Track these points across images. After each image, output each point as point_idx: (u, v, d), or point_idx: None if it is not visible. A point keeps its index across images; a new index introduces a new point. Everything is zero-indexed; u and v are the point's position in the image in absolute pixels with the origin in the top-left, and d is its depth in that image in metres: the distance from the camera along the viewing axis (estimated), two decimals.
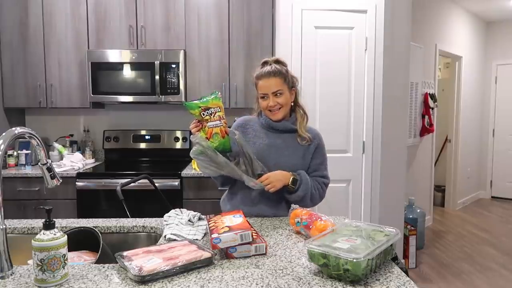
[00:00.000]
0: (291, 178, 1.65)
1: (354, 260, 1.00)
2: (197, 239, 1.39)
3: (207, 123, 1.62)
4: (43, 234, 1.04)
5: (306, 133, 1.75)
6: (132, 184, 2.38)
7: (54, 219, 1.07)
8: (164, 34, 3.16)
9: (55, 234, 1.04)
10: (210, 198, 2.92)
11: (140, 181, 2.45)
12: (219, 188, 1.94)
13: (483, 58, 6.10)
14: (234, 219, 1.34)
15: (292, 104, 1.76)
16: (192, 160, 3.24)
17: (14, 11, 3.15)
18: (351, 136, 3.01)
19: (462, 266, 3.58)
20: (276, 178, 1.63)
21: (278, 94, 1.68)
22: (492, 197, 6.28)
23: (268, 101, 1.70)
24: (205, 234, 1.44)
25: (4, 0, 3.14)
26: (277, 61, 1.73)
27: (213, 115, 1.60)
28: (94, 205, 2.90)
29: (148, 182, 2.45)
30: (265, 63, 1.74)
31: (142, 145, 3.47)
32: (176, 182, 2.90)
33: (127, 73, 3.10)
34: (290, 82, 1.72)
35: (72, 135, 3.49)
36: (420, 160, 4.65)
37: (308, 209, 1.50)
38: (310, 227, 1.38)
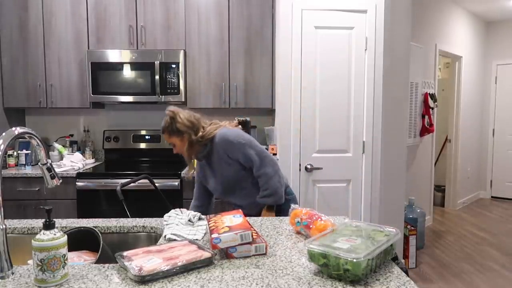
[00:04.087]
0: (265, 208, 1.92)
1: (354, 260, 1.00)
2: (197, 239, 1.38)
3: None
4: (43, 234, 1.04)
5: (216, 155, 1.91)
6: (132, 184, 2.38)
7: (54, 219, 1.07)
8: (164, 34, 3.16)
9: (55, 234, 1.04)
10: None
11: (140, 181, 2.45)
12: None
13: (483, 58, 6.10)
14: (234, 219, 1.34)
15: (192, 141, 1.91)
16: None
17: (14, 11, 3.15)
18: (351, 136, 3.01)
19: (462, 266, 3.58)
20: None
21: (172, 146, 1.94)
22: (492, 197, 6.28)
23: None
24: (205, 234, 1.44)
25: (4, 0, 3.14)
26: (168, 114, 1.93)
27: None
28: (94, 205, 2.90)
29: (148, 182, 2.46)
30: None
31: (142, 145, 3.47)
32: (176, 182, 2.90)
33: (127, 73, 3.10)
34: (176, 133, 1.90)
35: (72, 135, 3.49)
36: (420, 160, 4.65)
37: (308, 209, 1.50)
38: (310, 227, 1.38)
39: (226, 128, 1.91)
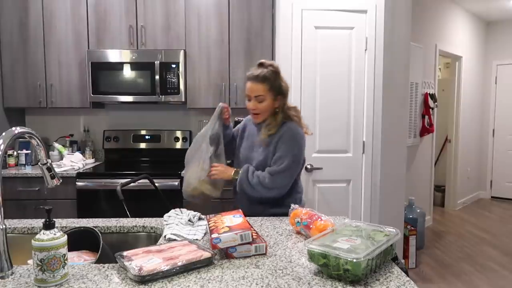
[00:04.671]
0: (233, 172, 1.84)
1: (354, 260, 1.00)
2: (197, 239, 1.38)
3: None
4: (43, 234, 1.04)
5: (265, 134, 1.81)
6: (132, 184, 2.38)
7: (54, 219, 1.07)
8: (164, 34, 3.16)
9: (55, 234, 1.04)
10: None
11: (140, 181, 2.45)
12: None
13: (483, 58, 6.10)
14: (234, 219, 1.34)
15: (277, 110, 1.81)
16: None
17: (14, 11, 3.15)
18: (351, 136, 3.01)
19: (462, 266, 3.57)
20: (221, 171, 1.85)
21: (260, 99, 1.77)
22: (492, 197, 6.28)
23: (250, 103, 1.80)
24: (205, 234, 1.44)
25: (4, 0, 3.14)
26: (271, 65, 1.80)
27: None
28: (94, 205, 2.90)
29: (148, 182, 2.45)
30: (259, 65, 1.81)
31: (142, 145, 3.47)
32: (176, 182, 2.90)
33: (127, 73, 3.10)
34: (276, 90, 1.78)
35: (72, 135, 3.49)
36: (420, 160, 4.65)
37: (308, 209, 1.50)
38: (310, 227, 1.38)
39: (299, 126, 1.84)
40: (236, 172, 1.84)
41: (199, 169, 1.84)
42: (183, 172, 2.00)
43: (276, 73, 1.79)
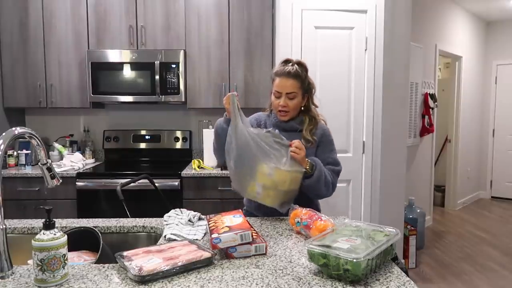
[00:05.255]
0: (308, 161, 1.63)
1: (354, 260, 1.00)
2: (197, 239, 1.38)
3: None
4: (43, 234, 1.04)
5: (311, 136, 1.74)
6: (132, 184, 2.38)
7: (54, 219, 1.07)
8: (164, 34, 3.16)
9: (55, 234, 1.04)
10: (210, 198, 2.93)
11: (140, 181, 2.45)
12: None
13: (483, 58, 6.10)
14: (234, 219, 1.34)
15: (303, 108, 1.78)
16: (192, 160, 3.24)
17: (14, 11, 3.15)
18: (351, 136, 3.01)
19: (462, 266, 3.57)
20: (303, 149, 1.60)
21: (292, 96, 1.70)
22: (492, 197, 6.28)
23: (280, 100, 1.72)
24: (205, 234, 1.44)
25: (4, 0, 3.14)
26: (299, 63, 1.74)
27: None
28: (94, 205, 2.90)
29: (148, 182, 2.46)
30: (287, 62, 1.74)
31: (142, 145, 3.47)
32: (176, 182, 2.90)
33: (127, 73, 3.10)
34: (305, 87, 1.74)
35: (72, 135, 3.49)
36: (420, 160, 4.65)
37: (308, 209, 1.50)
38: (310, 227, 1.38)
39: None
40: (309, 163, 1.64)
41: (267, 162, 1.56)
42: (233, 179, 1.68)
43: (306, 70, 1.75)
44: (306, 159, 1.63)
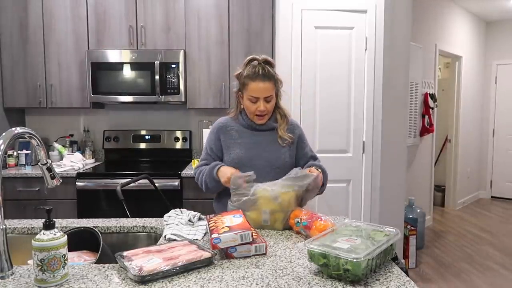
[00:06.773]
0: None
1: (354, 260, 1.00)
2: (197, 239, 1.38)
3: None
4: (43, 234, 1.04)
5: (286, 134, 1.72)
6: (132, 184, 2.38)
7: (54, 219, 1.07)
8: (164, 34, 3.16)
9: (55, 234, 1.04)
10: (210, 198, 2.90)
11: (140, 181, 2.45)
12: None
13: (483, 58, 6.10)
14: (234, 219, 1.34)
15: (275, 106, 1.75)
16: (192, 160, 3.24)
17: (14, 11, 3.15)
18: (351, 136, 3.01)
19: (462, 266, 3.57)
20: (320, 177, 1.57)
21: (269, 99, 1.64)
22: (492, 197, 6.28)
23: (257, 105, 1.64)
24: (205, 234, 1.44)
25: (4, 0, 3.14)
26: (267, 62, 1.66)
27: None
28: (94, 205, 2.90)
29: (148, 182, 2.45)
30: (253, 60, 1.66)
31: (142, 145, 3.47)
32: (176, 182, 2.90)
33: (127, 73, 3.10)
34: (277, 86, 1.68)
35: (72, 135, 3.49)
36: (420, 160, 4.65)
37: (308, 209, 1.50)
38: (310, 227, 1.38)
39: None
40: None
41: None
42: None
43: (273, 66, 1.68)
44: (312, 168, 1.64)
